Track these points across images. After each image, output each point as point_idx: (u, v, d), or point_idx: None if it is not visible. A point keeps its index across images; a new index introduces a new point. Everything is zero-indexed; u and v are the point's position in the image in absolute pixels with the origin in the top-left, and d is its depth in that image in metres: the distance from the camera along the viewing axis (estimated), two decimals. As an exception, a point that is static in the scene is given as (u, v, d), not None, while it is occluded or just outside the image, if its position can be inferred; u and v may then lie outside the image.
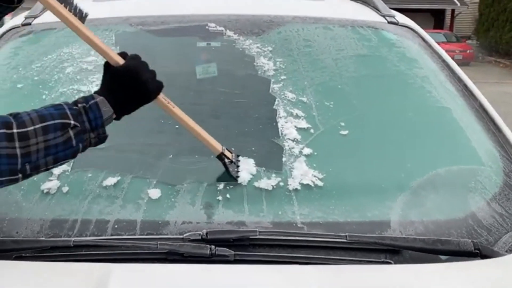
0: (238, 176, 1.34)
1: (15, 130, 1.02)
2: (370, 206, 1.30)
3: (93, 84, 1.63)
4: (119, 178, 1.34)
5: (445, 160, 1.48)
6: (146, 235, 1.20)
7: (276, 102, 1.59)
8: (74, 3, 1.19)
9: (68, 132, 1.08)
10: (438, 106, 1.67)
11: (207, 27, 1.90)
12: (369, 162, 1.44)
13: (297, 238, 1.19)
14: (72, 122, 1.08)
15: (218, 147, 1.35)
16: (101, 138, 1.15)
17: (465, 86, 1.79)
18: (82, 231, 1.21)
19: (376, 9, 2.19)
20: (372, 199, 1.32)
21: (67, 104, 1.11)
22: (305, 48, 1.85)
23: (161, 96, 1.25)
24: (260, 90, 1.66)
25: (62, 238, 1.19)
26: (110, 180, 1.33)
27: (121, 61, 1.19)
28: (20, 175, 1.04)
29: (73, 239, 1.16)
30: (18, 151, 1.02)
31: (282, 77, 1.68)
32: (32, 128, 1.03)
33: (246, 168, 1.36)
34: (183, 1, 2.30)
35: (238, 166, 1.36)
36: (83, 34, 1.19)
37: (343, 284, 1.11)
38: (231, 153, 1.37)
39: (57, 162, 1.09)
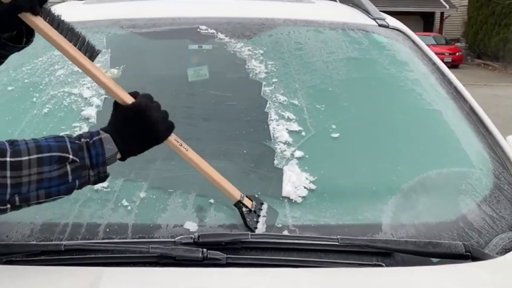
0: (256, 227, 1.23)
1: (8, 159, 0.96)
2: (361, 209, 1.30)
3: (84, 86, 1.62)
4: (110, 181, 1.33)
5: (436, 163, 1.48)
6: (138, 238, 1.20)
7: (268, 105, 1.59)
8: (85, 39, 1.12)
9: (65, 167, 1.02)
10: (428, 108, 1.68)
11: (198, 30, 1.90)
12: (360, 165, 1.45)
13: (289, 241, 1.19)
14: (71, 156, 1.02)
15: (237, 194, 1.25)
16: (101, 177, 1.08)
17: (455, 89, 1.80)
18: (73, 235, 1.20)
19: (366, 12, 2.20)
20: (363, 202, 1.32)
21: (70, 138, 1.05)
22: (296, 51, 1.85)
23: (173, 137, 1.18)
24: (251, 93, 1.66)
25: (53, 242, 1.18)
26: (102, 183, 1.32)
27: (129, 100, 1.12)
28: (8, 206, 0.98)
29: (64, 243, 1.15)
30: (8, 180, 0.96)
31: (274, 80, 1.69)
32: (27, 158, 0.98)
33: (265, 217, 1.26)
34: (174, 4, 2.29)
35: (258, 216, 1.24)
36: (90, 72, 1.12)
37: (335, 287, 1.11)
38: (251, 200, 1.26)
39: (49, 197, 1.02)
